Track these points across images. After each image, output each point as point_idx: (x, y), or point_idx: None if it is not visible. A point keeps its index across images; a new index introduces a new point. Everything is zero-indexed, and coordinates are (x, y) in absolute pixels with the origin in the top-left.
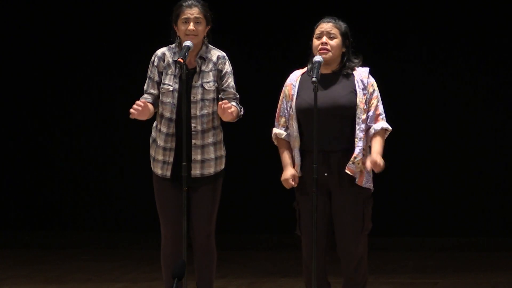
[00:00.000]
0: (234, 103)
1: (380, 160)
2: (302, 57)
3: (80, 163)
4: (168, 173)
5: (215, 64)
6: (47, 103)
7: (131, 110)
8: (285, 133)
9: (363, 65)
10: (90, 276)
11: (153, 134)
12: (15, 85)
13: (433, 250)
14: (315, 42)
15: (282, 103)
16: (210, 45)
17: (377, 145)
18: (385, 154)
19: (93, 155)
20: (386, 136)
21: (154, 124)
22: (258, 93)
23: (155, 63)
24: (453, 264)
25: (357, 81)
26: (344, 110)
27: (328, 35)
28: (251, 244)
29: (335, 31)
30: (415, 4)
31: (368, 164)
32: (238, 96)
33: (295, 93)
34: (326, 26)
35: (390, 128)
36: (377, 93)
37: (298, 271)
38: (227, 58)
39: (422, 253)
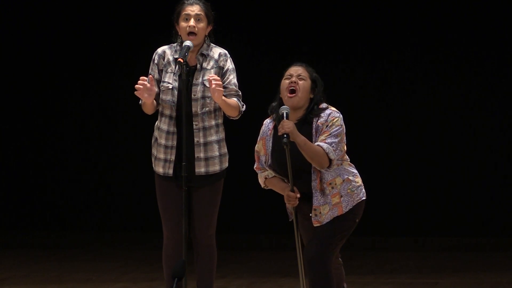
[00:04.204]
0: (235, 99)
1: (288, 124)
2: (305, 56)
3: (80, 163)
4: (170, 171)
5: (216, 61)
6: (47, 102)
7: (136, 86)
8: (273, 173)
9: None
10: (90, 276)
11: (155, 133)
12: (15, 84)
13: (433, 250)
14: (284, 82)
15: (259, 155)
16: (211, 43)
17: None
18: (385, 154)
19: (93, 155)
20: (320, 158)
21: (156, 123)
22: (259, 92)
23: (156, 61)
24: (453, 264)
25: (315, 128)
26: (304, 171)
27: (297, 77)
28: (251, 244)
29: (305, 74)
30: (413, 7)
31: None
32: (240, 93)
33: (269, 149)
34: (295, 68)
35: (332, 157)
36: (332, 129)
37: (298, 271)
38: (229, 55)
39: (422, 253)
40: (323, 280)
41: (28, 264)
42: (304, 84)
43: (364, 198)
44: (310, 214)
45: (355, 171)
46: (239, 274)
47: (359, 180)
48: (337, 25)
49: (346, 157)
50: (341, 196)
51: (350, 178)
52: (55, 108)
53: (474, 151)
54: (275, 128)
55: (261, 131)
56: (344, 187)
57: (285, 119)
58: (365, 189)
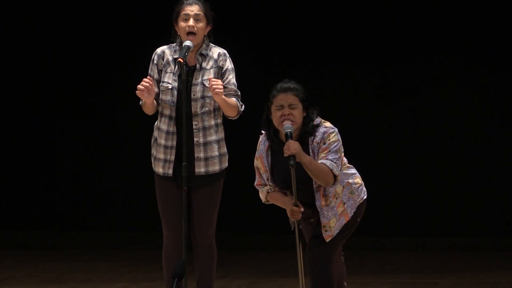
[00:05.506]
0: (234, 99)
1: (294, 145)
2: (303, 55)
3: (80, 163)
4: (170, 172)
5: (216, 61)
6: (47, 103)
7: (139, 86)
8: (275, 188)
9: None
10: (90, 276)
11: (155, 133)
12: (16, 85)
13: (433, 250)
14: (276, 114)
15: (259, 172)
16: (211, 43)
17: (312, 159)
18: (386, 154)
19: (93, 155)
20: (325, 175)
21: (156, 124)
22: (258, 92)
23: (155, 61)
24: (453, 264)
25: (311, 149)
26: (307, 181)
27: (288, 106)
28: (251, 244)
29: (296, 101)
30: (413, 8)
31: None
32: (239, 93)
33: (268, 166)
34: (285, 97)
35: (337, 172)
36: (331, 145)
37: (298, 271)
38: (228, 55)
39: (422, 253)
40: (324, 281)
41: (28, 264)
42: (297, 112)
43: (365, 197)
44: (311, 220)
45: (354, 171)
46: (239, 274)
47: (358, 180)
48: (336, 26)
49: (345, 160)
50: (344, 203)
51: (350, 181)
52: (54, 108)
53: (475, 151)
54: (271, 146)
55: (258, 148)
56: (345, 193)
57: (290, 139)
58: (365, 188)
